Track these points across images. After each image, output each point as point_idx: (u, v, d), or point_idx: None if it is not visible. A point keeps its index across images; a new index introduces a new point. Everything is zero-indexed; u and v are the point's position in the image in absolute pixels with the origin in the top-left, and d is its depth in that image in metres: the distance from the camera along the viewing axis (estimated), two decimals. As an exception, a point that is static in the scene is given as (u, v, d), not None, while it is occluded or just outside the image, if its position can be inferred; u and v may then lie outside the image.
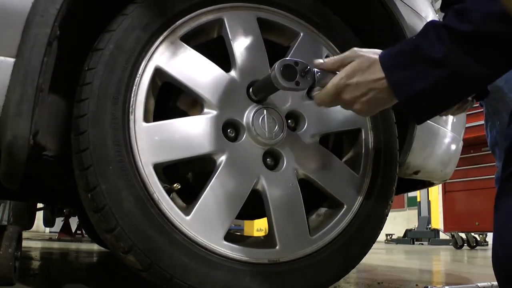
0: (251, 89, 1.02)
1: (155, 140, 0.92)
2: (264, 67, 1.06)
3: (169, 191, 0.95)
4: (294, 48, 1.12)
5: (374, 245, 1.19)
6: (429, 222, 9.41)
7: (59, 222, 6.05)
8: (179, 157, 0.95)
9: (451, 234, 6.86)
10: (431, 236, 9.09)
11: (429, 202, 9.57)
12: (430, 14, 1.38)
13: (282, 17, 1.14)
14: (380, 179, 1.16)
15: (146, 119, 0.93)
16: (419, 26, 1.23)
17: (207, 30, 1.07)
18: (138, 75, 0.93)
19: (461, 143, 1.54)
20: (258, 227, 7.19)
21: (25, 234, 5.04)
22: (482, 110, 2.11)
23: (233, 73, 1.03)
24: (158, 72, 0.96)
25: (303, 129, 1.09)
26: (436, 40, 0.74)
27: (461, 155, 1.59)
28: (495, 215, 0.78)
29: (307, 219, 1.07)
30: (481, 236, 7.30)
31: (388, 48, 0.83)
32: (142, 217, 0.87)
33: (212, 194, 0.95)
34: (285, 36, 1.17)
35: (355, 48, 0.88)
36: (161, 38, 0.97)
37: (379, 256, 4.22)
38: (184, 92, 1.03)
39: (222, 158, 0.97)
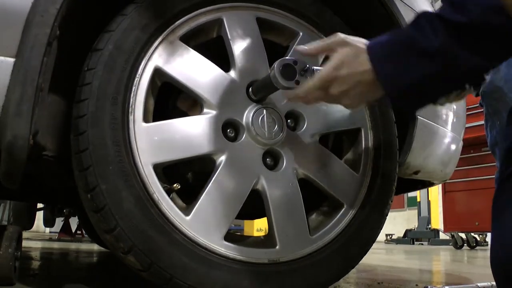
0: (250, 89, 1.02)
1: (155, 140, 0.92)
2: (263, 67, 1.06)
3: (169, 191, 0.95)
4: (293, 48, 1.12)
5: (374, 245, 1.19)
6: (429, 222, 9.40)
7: (59, 222, 6.05)
8: (178, 157, 0.95)
9: (451, 234, 6.86)
10: (431, 236, 9.08)
11: (429, 202, 9.56)
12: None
13: (281, 17, 1.14)
14: (380, 179, 1.16)
15: (145, 119, 0.93)
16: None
17: (207, 30, 1.07)
18: (137, 75, 0.93)
19: (461, 143, 1.54)
20: (258, 227, 7.19)
21: (25, 234, 5.04)
22: (482, 110, 2.11)
23: (232, 73, 1.03)
24: (158, 72, 0.96)
25: (303, 129, 1.09)
26: (431, 31, 0.71)
27: (461, 155, 1.58)
28: (494, 216, 0.78)
29: (307, 219, 1.07)
30: (481, 236, 7.30)
31: (377, 38, 0.79)
32: (142, 217, 0.87)
33: (212, 194, 0.95)
34: (285, 36, 1.17)
35: (340, 34, 0.83)
36: (160, 38, 0.97)
37: (379, 256, 4.22)
38: (184, 92, 1.03)
39: (222, 158, 0.97)
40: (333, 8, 1.21)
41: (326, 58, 0.86)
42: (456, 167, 1.57)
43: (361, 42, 0.80)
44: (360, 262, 1.13)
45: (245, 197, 0.99)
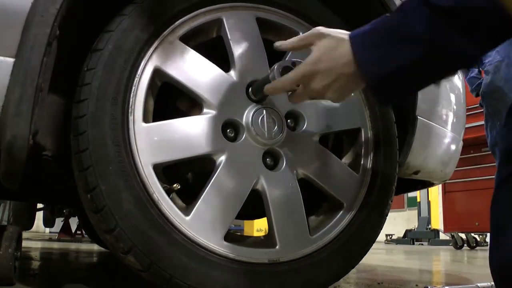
0: (250, 89, 1.02)
1: (155, 141, 0.92)
2: (263, 67, 1.06)
3: (168, 192, 0.95)
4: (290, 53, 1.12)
5: (374, 245, 1.19)
6: (429, 222, 9.40)
7: (59, 222, 6.05)
8: (178, 157, 0.95)
9: (451, 234, 6.85)
10: (431, 237, 9.08)
11: (429, 203, 9.56)
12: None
13: (281, 17, 1.14)
14: (380, 179, 1.16)
15: (145, 120, 0.93)
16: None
17: (206, 30, 1.07)
18: (137, 76, 0.93)
19: (461, 143, 1.54)
20: (258, 227, 7.18)
21: (25, 234, 5.04)
22: (482, 110, 2.11)
23: (232, 73, 1.03)
24: (157, 72, 0.96)
25: (303, 129, 1.09)
26: (414, 17, 0.68)
27: (461, 155, 1.58)
28: (492, 216, 0.77)
29: (307, 218, 1.07)
30: (481, 236, 7.29)
31: (360, 28, 0.77)
32: (141, 218, 0.87)
33: (212, 194, 0.95)
34: (285, 36, 1.16)
35: (319, 27, 0.82)
36: (160, 38, 0.97)
37: (379, 256, 4.22)
38: (184, 92, 1.03)
39: (222, 158, 0.97)
40: (333, 8, 1.21)
41: None
42: (456, 167, 1.57)
43: (342, 33, 0.79)
44: (360, 262, 1.13)
45: (245, 197, 0.99)
